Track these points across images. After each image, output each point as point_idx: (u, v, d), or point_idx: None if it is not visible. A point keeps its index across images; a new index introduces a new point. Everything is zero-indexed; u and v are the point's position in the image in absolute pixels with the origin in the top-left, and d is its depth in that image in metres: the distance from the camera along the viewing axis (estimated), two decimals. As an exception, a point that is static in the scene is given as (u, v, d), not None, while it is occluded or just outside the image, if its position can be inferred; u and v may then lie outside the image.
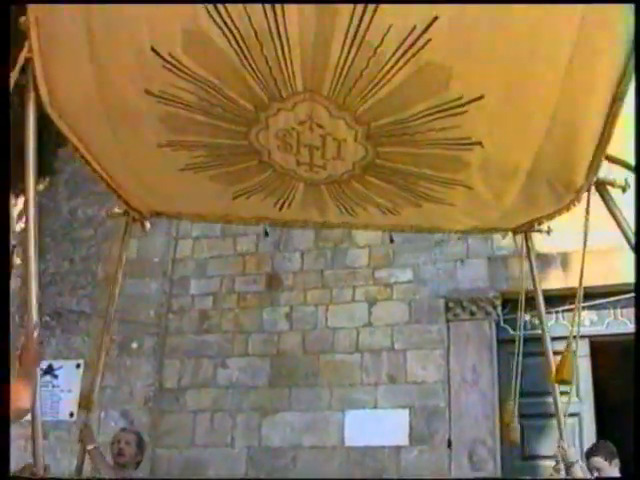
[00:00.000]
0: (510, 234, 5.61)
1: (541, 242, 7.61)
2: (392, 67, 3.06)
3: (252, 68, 3.19)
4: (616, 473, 5.69)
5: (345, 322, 9.15)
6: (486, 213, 4.56)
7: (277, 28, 2.94)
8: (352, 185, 4.11)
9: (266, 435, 8.95)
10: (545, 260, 7.92)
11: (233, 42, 3.06)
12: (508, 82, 3.03)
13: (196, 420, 9.04)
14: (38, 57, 3.31)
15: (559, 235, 5.81)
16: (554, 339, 6.10)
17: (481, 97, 3.11)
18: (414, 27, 2.83)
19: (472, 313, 8.65)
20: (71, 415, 9.57)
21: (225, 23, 2.96)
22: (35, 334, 3.75)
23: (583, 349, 8.22)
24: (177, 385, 9.39)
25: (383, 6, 2.77)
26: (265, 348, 9.36)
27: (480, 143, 3.40)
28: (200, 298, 9.72)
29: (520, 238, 5.64)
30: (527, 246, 5.56)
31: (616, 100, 3.09)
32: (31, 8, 3.15)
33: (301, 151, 3.73)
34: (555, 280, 7.83)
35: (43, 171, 8.95)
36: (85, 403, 5.54)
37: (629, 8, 2.73)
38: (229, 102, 3.43)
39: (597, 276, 7.77)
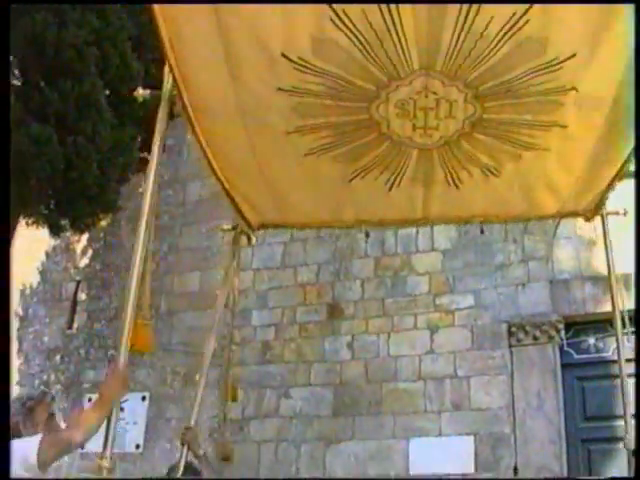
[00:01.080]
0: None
1: (603, 265, 7.55)
2: (496, 45, 3.60)
3: (374, 60, 3.72)
4: None
5: (407, 350, 9.14)
6: (574, 160, 4.81)
7: (394, 26, 3.47)
8: (461, 145, 4.56)
9: (330, 465, 8.95)
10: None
11: (356, 42, 3.59)
12: (595, 38, 3.57)
13: (261, 450, 9.10)
14: (172, 56, 3.71)
15: (620, 257, 5.72)
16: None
17: (573, 55, 3.66)
18: (514, 14, 3.39)
19: (535, 338, 8.57)
20: (137, 447, 9.70)
21: (348, 28, 3.49)
22: (123, 369, 3.87)
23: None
24: (241, 416, 9.45)
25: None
26: (328, 378, 9.38)
27: (574, 88, 3.94)
28: (262, 329, 9.80)
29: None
30: (604, 229, 5.41)
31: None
32: (158, 9, 3.48)
33: (417, 115, 4.21)
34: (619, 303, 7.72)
35: (106, 208, 9.14)
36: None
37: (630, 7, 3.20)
38: (353, 87, 3.93)
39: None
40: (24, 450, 3.76)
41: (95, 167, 8.09)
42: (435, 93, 4.03)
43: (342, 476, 8.84)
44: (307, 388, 9.42)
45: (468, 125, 4.37)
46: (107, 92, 8.34)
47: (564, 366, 8.58)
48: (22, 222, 9.07)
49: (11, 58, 7.72)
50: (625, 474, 5.62)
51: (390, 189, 5.08)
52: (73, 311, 11.48)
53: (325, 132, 4.38)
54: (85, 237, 11.47)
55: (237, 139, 4.44)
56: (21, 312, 11.72)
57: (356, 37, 3.56)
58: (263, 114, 4.21)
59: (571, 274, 8.72)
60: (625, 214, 5.42)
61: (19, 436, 4.07)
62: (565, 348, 8.61)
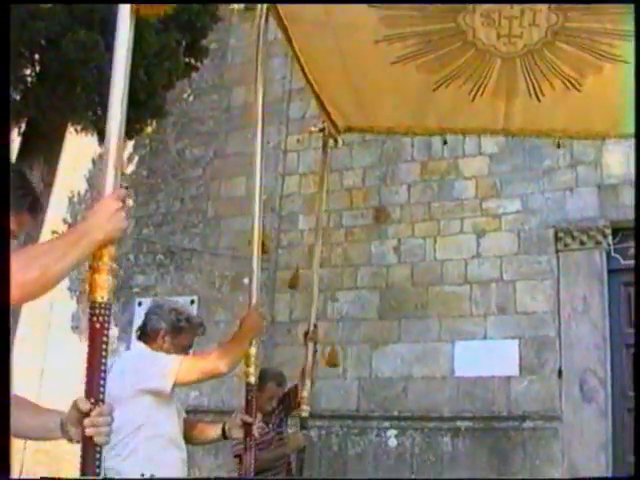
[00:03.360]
0: None
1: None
2: None
3: None
4: None
5: (453, 254, 9.18)
6: None
7: None
8: (544, 54, 4.65)
9: (377, 366, 9.12)
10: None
11: None
12: None
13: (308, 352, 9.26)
14: None
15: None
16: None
17: None
18: None
19: (582, 243, 8.54)
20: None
21: None
22: (259, 307, 4.04)
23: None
24: (289, 319, 9.62)
25: None
26: (374, 281, 9.48)
27: None
28: (309, 233, 9.84)
29: None
30: None
31: None
32: None
33: (502, 23, 4.32)
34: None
35: (154, 113, 9.13)
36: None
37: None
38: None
39: None
40: (164, 364, 3.85)
41: (142, 72, 8.05)
42: (520, 2, 4.16)
43: (388, 376, 9.00)
44: (353, 291, 9.53)
45: (551, 33, 4.45)
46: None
47: (611, 272, 8.56)
48: (71, 129, 9.11)
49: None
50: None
51: (473, 99, 5.17)
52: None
53: (411, 40, 4.51)
54: (131, 144, 11.53)
55: (327, 47, 4.61)
56: (70, 219, 11.89)
57: None
58: (353, 24, 4.38)
59: (619, 179, 8.62)
60: None
61: (146, 340, 4.14)
62: (612, 254, 8.58)
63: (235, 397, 8.75)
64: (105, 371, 2.24)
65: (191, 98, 11.45)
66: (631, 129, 5.30)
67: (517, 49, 4.60)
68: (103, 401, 2.21)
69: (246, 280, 10.08)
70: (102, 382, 2.23)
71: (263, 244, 4.18)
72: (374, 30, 4.39)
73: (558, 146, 6.08)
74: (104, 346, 2.24)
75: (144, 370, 3.82)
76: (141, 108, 8.64)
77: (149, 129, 9.88)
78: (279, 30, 4.49)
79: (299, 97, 10.11)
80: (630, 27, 4.25)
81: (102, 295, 2.25)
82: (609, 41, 4.49)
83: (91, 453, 2.17)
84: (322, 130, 5.80)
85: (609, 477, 4.48)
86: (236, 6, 4.43)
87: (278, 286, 9.74)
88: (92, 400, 2.19)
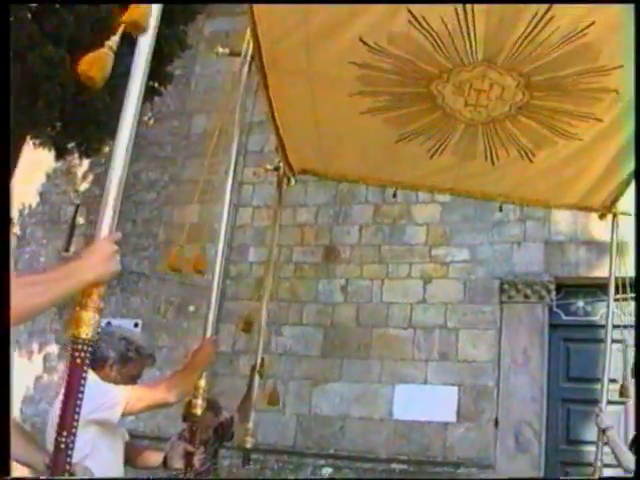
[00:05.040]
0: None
1: (599, 230, 7.66)
2: (555, 48, 3.91)
3: (442, 51, 4.05)
4: None
5: (400, 298, 9.27)
6: (601, 155, 5.15)
7: (467, 27, 3.81)
8: (505, 125, 4.88)
9: (316, 404, 9.14)
10: (602, 248, 7.94)
11: (429, 37, 3.92)
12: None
13: (254, 385, 9.24)
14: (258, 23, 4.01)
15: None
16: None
17: (621, 66, 4.00)
18: (576, 28, 3.72)
19: (526, 296, 8.71)
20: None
21: (423, 27, 3.85)
22: (214, 339, 4.01)
23: (633, 339, 8.23)
24: (231, 349, 9.60)
25: (555, 16, 3.64)
26: (319, 319, 9.52)
27: (616, 91, 4.29)
28: (258, 266, 9.87)
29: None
30: (614, 229, 5.90)
31: None
32: None
33: (471, 94, 4.51)
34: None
35: (114, 134, 9.11)
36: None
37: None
38: (419, 69, 4.27)
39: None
40: (114, 395, 3.80)
41: (106, 93, 8.06)
42: (491, 79, 4.33)
43: (326, 414, 9.02)
44: (298, 327, 9.56)
45: (515, 108, 4.67)
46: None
47: (552, 326, 8.75)
48: (29, 143, 9.07)
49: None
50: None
51: (431, 156, 5.36)
52: (71, 234, 11.56)
53: (383, 97, 4.66)
54: (87, 162, 11.49)
55: (301, 94, 4.72)
56: (19, 232, 11.78)
57: (429, 34, 3.91)
58: (330, 78, 4.50)
59: (566, 236, 8.83)
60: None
61: (93, 367, 4.06)
62: (554, 309, 8.78)
63: (172, 424, 8.69)
64: (80, 406, 2.29)
65: (151, 122, 11.45)
66: (571, 201, 5.92)
67: (481, 117, 4.79)
68: (75, 434, 2.26)
69: (192, 307, 10.13)
70: (77, 417, 2.28)
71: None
72: (350, 85, 4.51)
73: (500, 209, 6.44)
74: (82, 382, 2.29)
75: (93, 400, 3.77)
76: (102, 128, 8.64)
77: (107, 149, 9.86)
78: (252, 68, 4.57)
79: (259, 130, 10.17)
80: (589, 110, 4.58)
81: (86, 332, 2.30)
82: (568, 120, 4.74)
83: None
84: (277, 169, 5.92)
85: (610, 477, 4.56)
86: (220, 50, 4.44)
87: (223, 316, 9.71)
88: (65, 433, 2.24)
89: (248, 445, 5.56)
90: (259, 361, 5.71)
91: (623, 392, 5.79)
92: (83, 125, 8.74)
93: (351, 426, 8.90)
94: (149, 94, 9.28)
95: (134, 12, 2.56)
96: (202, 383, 3.94)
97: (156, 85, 9.41)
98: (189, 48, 9.91)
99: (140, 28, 2.57)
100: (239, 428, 5.75)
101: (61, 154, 9.68)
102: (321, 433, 8.98)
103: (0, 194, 2.32)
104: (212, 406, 5.98)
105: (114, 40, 2.52)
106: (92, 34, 7.95)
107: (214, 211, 10.08)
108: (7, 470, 2.12)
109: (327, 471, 8.71)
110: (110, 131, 8.96)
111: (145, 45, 2.58)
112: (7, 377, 2.16)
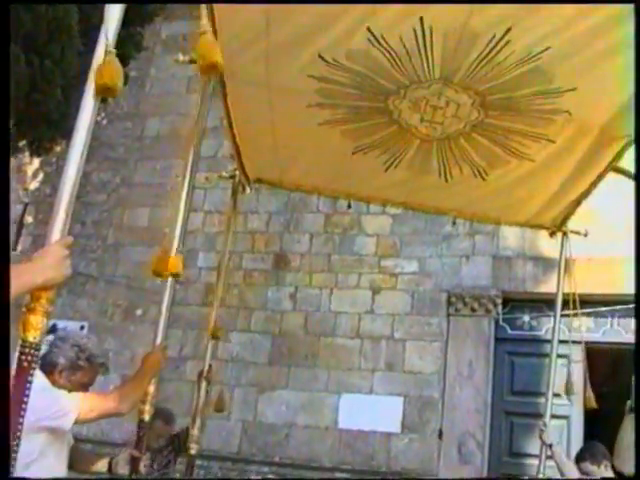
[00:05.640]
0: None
1: (547, 246, 7.78)
2: (511, 69, 4.03)
3: (399, 69, 4.13)
4: (609, 474, 5.81)
5: (348, 307, 9.30)
6: (552, 176, 5.30)
7: (425, 48, 3.89)
8: (459, 142, 4.95)
9: (262, 411, 9.13)
10: (549, 264, 8.07)
11: (387, 55, 4.00)
12: (595, 79, 4.04)
13: (194, 390, 9.19)
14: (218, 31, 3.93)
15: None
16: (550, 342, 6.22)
17: (574, 89, 4.13)
18: (530, 52, 3.84)
19: (473, 309, 8.81)
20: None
21: (382, 45, 3.91)
22: (163, 346, 3.98)
23: (578, 354, 8.37)
24: (178, 355, 9.55)
25: (512, 40, 3.75)
26: (267, 326, 9.52)
27: (568, 112, 4.42)
28: (207, 271, 9.85)
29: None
30: (563, 247, 6.07)
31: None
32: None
33: (427, 110, 4.58)
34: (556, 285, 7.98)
35: (66, 134, 9.03)
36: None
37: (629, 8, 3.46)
38: (376, 84, 4.33)
39: (597, 285, 7.95)
40: (66, 402, 3.75)
41: (59, 92, 7.98)
42: (447, 96, 4.42)
43: (272, 422, 9.01)
44: (246, 334, 9.54)
45: (470, 126, 4.77)
46: (78, 18, 8.23)
47: (497, 340, 8.86)
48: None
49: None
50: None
51: (386, 170, 5.41)
52: (19, 233, 11.41)
53: (341, 110, 4.72)
54: (37, 160, 11.36)
55: (259, 105, 4.76)
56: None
57: (389, 53, 3.98)
58: (289, 90, 4.55)
59: (514, 251, 8.95)
60: (586, 235, 6.00)
61: (44, 372, 3.99)
62: (500, 322, 8.89)
63: (115, 429, 8.65)
64: (25, 409, 2.27)
65: (104, 122, 11.36)
66: (522, 219, 6.07)
67: (436, 134, 4.86)
68: (19, 438, 2.25)
69: (139, 311, 10.05)
70: (21, 420, 2.26)
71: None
72: (308, 97, 4.56)
73: (454, 223, 6.48)
74: (28, 385, 2.27)
75: (45, 408, 3.72)
76: (54, 127, 8.55)
77: (58, 148, 9.76)
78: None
79: (213, 135, 10.11)
80: (542, 130, 4.69)
81: (34, 336, 2.28)
82: (521, 140, 4.85)
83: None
84: (232, 177, 5.92)
85: (613, 478, 4.65)
86: (180, 57, 4.41)
87: (171, 321, 9.65)
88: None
89: (192, 451, 5.53)
90: (206, 367, 5.69)
91: (568, 389, 6.06)
92: (35, 124, 8.64)
93: (296, 434, 8.91)
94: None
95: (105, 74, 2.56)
96: (151, 389, 3.92)
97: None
98: (145, 50, 9.86)
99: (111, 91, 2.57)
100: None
101: (12, 152, 9.56)
102: (266, 440, 8.97)
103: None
104: (162, 414, 5.95)
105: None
106: (48, 33, 7.88)
107: (165, 215, 10.13)
108: (7, 470, 2.11)
109: (271, 478, 8.70)
110: (62, 130, 8.88)
111: (103, 46, 2.56)
112: (7, 379, 2.15)
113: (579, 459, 6.02)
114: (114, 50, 2.51)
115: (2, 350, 2.15)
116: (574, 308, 5.89)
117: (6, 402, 2.15)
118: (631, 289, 4.43)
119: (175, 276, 3.93)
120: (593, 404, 5.97)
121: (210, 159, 10.19)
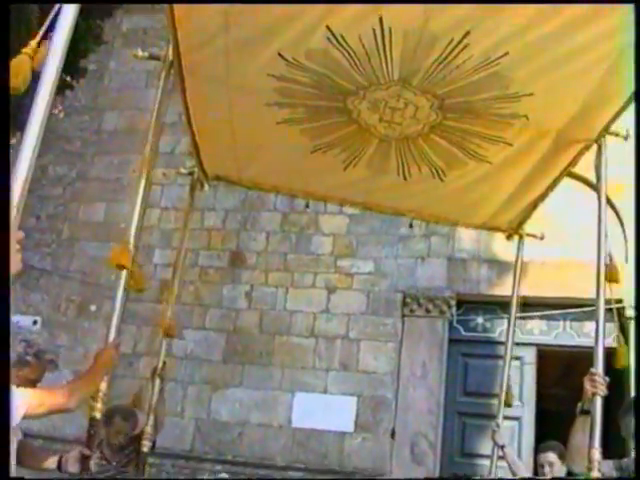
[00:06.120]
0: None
1: (502, 249, 7.86)
2: (469, 74, 4.08)
3: (359, 69, 4.16)
4: (564, 473, 5.88)
5: (303, 306, 9.31)
6: (509, 178, 5.38)
7: (384, 49, 3.92)
8: (418, 142, 5.01)
9: (215, 409, 9.11)
10: (503, 267, 8.15)
11: (347, 56, 4.03)
12: (552, 84, 4.15)
13: (148, 388, 9.15)
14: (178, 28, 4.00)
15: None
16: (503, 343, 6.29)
17: (531, 94, 4.21)
18: (488, 57, 3.91)
19: (427, 310, 8.86)
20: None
21: (342, 45, 3.94)
22: (115, 344, 3.92)
23: (530, 356, 8.48)
24: (132, 351, 9.48)
25: (470, 44, 3.80)
26: (222, 324, 9.49)
27: (526, 116, 4.50)
28: (162, 268, 9.77)
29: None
30: (520, 250, 6.18)
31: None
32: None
33: (386, 111, 4.63)
34: (510, 287, 8.06)
35: (20, 127, 8.94)
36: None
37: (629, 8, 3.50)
38: (336, 84, 4.36)
39: (550, 288, 8.06)
40: (14, 398, 3.70)
41: (14, 84, 7.91)
42: (406, 98, 4.47)
43: (225, 420, 9.00)
44: (201, 331, 9.51)
45: (428, 127, 4.82)
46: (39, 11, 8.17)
47: (451, 341, 8.93)
48: None
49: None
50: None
51: (345, 168, 5.45)
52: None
53: (300, 109, 4.75)
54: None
55: (218, 102, 4.77)
56: None
57: (348, 53, 4.01)
58: (248, 88, 4.56)
59: (469, 254, 9.02)
60: (542, 238, 6.16)
61: None
62: (454, 324, 8.97)
63: (67, 425, 8.56)
64: None
65: (61, 115, 11.24)
66: (479, 221, 6.19)
67: (395, 134, 4.91)
68: None
69: (93, 307, 9.96)
70: None
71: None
72: (268, 95, 4.58)
73: (411, 225, 6.58)
74: None
75: None
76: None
77: (14, 140, 9.64)
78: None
79: (171, 131, 10.05)
80: (499, 134, 4.76)
81: None
82: (479, 142, 4.92)
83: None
84: (191, 173, 5.92)
85: (617, 478, 4.67)
86: (140, 53, 4.37)
87: (125, 317, 9.57)
88: None
89: (144, 449, 5.50)
90: (160, 365, 5.66)
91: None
92: (-11, 116, 8.56)
93: (250, 432, 8.90)
94: (61, 87, 9.13)
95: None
96: (103, 386, 3.89)
97: (68, 79, 9.25)
98: (105, 43, 9.79)
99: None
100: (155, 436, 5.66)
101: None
102: (219, 438, 8.95)
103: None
104: (120, 411, 5.92)
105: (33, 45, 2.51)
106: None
107: (121, 210, 10.04)
108: (7, 470, 2.08)
109: (224, 477, 8.68)
110: (17, 122, 8.80)
111: (60, 39, 2.55)
112: (7, 379, 2.12)
113: (545, 450, 6.04)
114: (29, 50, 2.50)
115: (2, 350, 2.12)
116: (525, 311, 5.98)
117: (6, 401, 2.13)
118: (584, 293, 4.47)
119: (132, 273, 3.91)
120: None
121: (168, 155, 10.13)
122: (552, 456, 5.93)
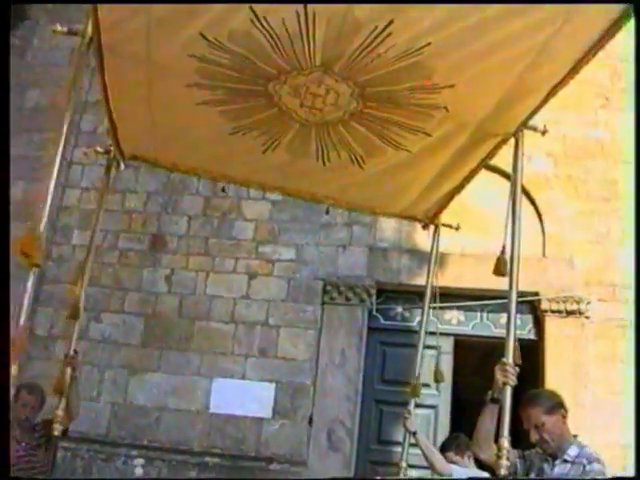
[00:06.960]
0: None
1: (422, 240, 7.96)
2: (391, 62, 4.08)
3: (281, 53, 4.13)
4: (471, 464, 6.01)
5: (223, 292, 9.29)
6: (427, 168, 5.43)
7: (307, 33, 3.90)
8: (338, 128, 5.01)
9: (132, 393, 9.03)
10: (424, 257, 8.25)
11: (269, 38, 3.99)
12: (472, 77, 4.18)
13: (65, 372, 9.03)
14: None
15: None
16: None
17: (453, 85, 4.26)
18: (411, 46, 3.92)
19: (347, 298, 8.93)
20: None
21: (264, 27, 3.90)
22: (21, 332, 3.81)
23: (447, 346, 8.62)
24: (47, 333, 9.34)
25: (394, 32, 3.81)
26: (141, 307, 9.41)
27: (446, 108, 4.55)
28: (81, 249, 9.61)
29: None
30: (435, 239, 6.26)
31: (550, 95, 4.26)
32: None
33: (307, 97, 4.64)
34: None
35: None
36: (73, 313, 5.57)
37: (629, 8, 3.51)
38: (257, 67, 4.33)
39: (469, 279, 8.21)
40: None
41: None
42: (327, 85, 4.47)
43: (142, 405, 8.93)
44: (119, 315, 9.41)
45: (348, 115, 4.84)
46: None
47: (370, 329, 9.02)
48: None
49: None
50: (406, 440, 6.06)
51: (264, 152, 5.42)
52: None
53: (220, 91, 4.71)
54: None
55: (137, 81, 4.68)
56: None
57: (270, 35, 3.98)
58: (168, 68, 4.50)
59: (390, 243, 9.12)
60: (458, 228, 6.24)
61: None
62: (374, 312, 9.05)
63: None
64: None
65: (-21, 92, 10.96)
66: (396, 210, 6.26)
67: (315, 119, 4.91)
68: None
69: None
70: None
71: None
72: (188, 76, 4.53)
73: (327, 212, 6.56)
74: None
75: None
76: None
77: None
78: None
79: (93, 110, 9.91)
80: (419, 124, 4.82)
81: None
82: (398, 131, 4.95)
83: None
84: (107, 152, 5.81)
85: (617, 477, 4.71)
86: (59, 27, 4.30)
87: (42, 299, 9.44)
88: None
89: (56, 432, 5.40)
90: (71, 353, 5.53)
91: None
92: None
93: (167, 417, 8.86)
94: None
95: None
96: (13, 370, 3.82)
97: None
98: (29, 19, 9.58)
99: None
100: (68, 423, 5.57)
101: None
102: (136, 423, 8.89)
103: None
104: (26, 385, 5.88)
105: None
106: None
107: (41, 189, 9.83)
108: (7, 470, 2.04)
109: (139, 462, 8.62)
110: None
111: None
112: (7, 379, 2.08)
113: (444, 449, 6.23)
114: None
115: (2, 349, 2.09)
116: (439, 301, 6.07)
117: (6, 400, 2.09)
118: (501, 285, 4.55)
119: (35, 265, 3.78)
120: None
121: (90, 134, 10.00)
122: (451, 455, 6.11)
